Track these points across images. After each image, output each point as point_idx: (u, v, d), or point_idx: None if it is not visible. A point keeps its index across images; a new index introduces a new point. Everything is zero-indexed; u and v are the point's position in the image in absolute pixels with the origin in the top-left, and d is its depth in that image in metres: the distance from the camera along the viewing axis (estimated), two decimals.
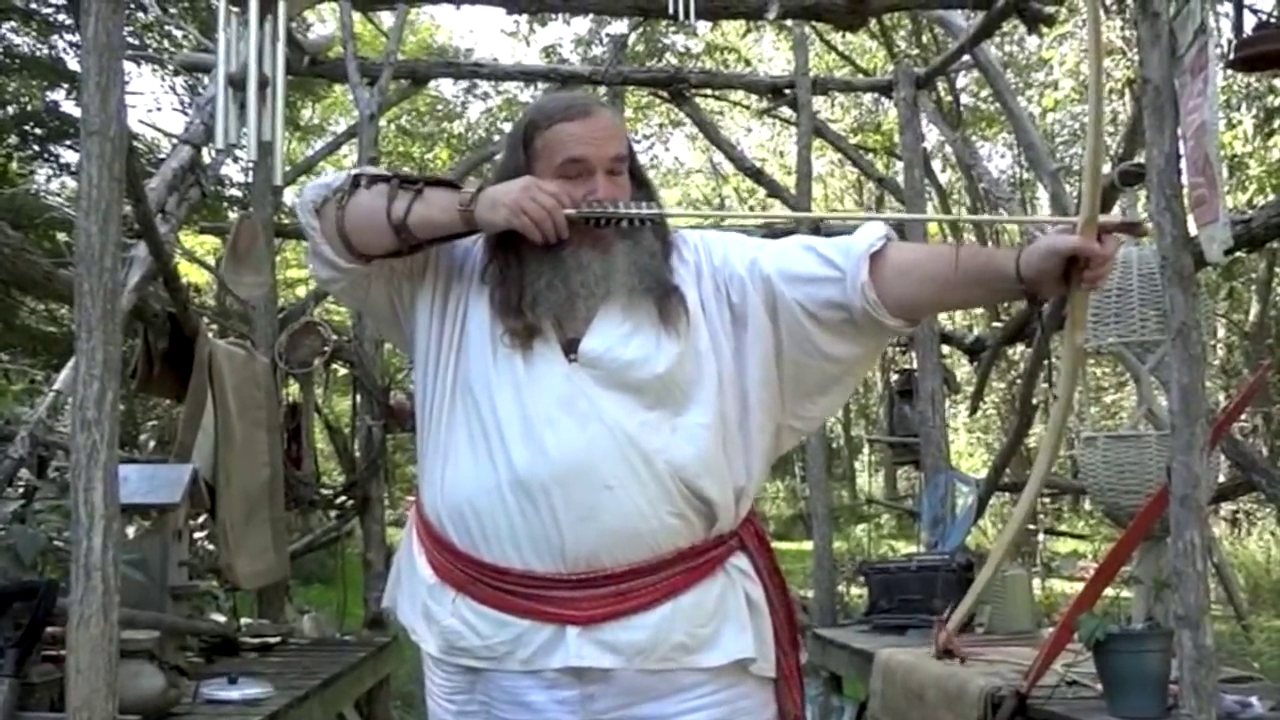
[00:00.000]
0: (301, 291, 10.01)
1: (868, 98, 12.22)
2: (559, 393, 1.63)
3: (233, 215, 7.55)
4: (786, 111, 6.42)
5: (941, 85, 10.65)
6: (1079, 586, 3.42)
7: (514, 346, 1.65)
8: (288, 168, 5.59)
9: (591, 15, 10.48)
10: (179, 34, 9.49)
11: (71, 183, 9.29)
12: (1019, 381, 7.76)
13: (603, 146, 1.68)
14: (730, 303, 1.73)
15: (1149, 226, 1.55)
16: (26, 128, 9.69)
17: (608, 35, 11.24)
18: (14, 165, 9.71)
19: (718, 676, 1.65)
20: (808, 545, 5.69)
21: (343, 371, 5.69)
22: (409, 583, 1.77)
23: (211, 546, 3.83)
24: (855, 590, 6.30)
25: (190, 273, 6.84)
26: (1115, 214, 2.68)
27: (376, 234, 1.65)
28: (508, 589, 1.62)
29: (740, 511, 1.73)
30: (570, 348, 1.66)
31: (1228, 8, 2.55)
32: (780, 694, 1.75)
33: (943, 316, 8.93)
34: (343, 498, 4.93)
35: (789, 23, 5.78)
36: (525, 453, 1.60)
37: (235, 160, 4.72)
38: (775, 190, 6.22)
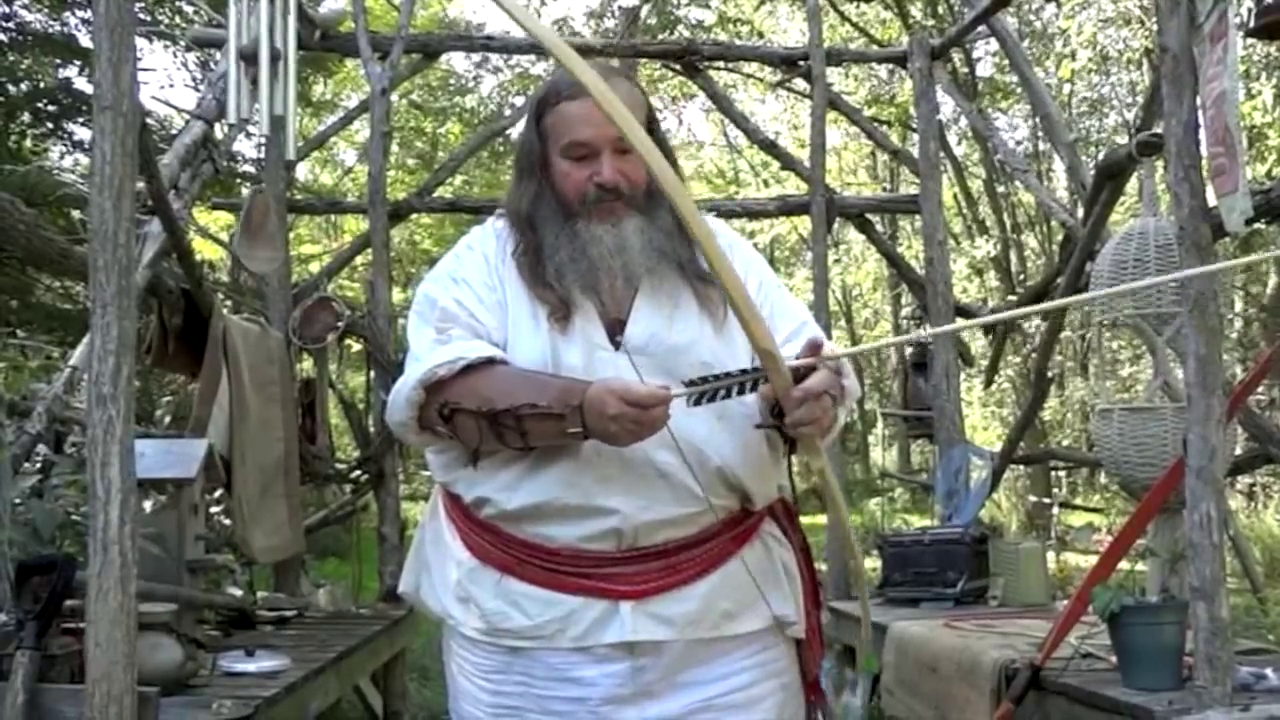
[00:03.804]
0: (315, 267, 10.03)
1: (882, 69, 12.12)
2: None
3: (245, 191, 7.53)
4: (800, 84, 6.39)
5: (957, 56, 10.57)
6: (1093, 559, 3.41)
7: (558, 331, 1.64)
8: (300, 143, 5.58)
9: None
10: (190, 9, 9.47)
11: (85, 159, 9.29)
12: (1034, 355, 7.73)
13: (608, 125, 1.61)
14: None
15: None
16: (39, 105, 9.69)
17: (619, 7, 11.18)
18: (27, 143, 9.72)
19: (756, 639, 1.69)
20: (821, 519, 5.68)
21: (356, 347, 5.71)
22: (438, 565, 1.75)
23: (227, 521, 3.85)
24: (870, 563, 6.30)
25: (204, 249, 6.85)
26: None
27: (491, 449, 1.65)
28: (557, 568, 1.63)
29: (775, 492, 1.76)
30: (614, 329, 1.66)
31: None
32: (803, 654, 1.78)
33: (957, 290, 8.90)
34: (357, 472, 4.95)
35: None
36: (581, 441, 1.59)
37: (248, 135, 4.70)
38: (789, 163, 6.18)
